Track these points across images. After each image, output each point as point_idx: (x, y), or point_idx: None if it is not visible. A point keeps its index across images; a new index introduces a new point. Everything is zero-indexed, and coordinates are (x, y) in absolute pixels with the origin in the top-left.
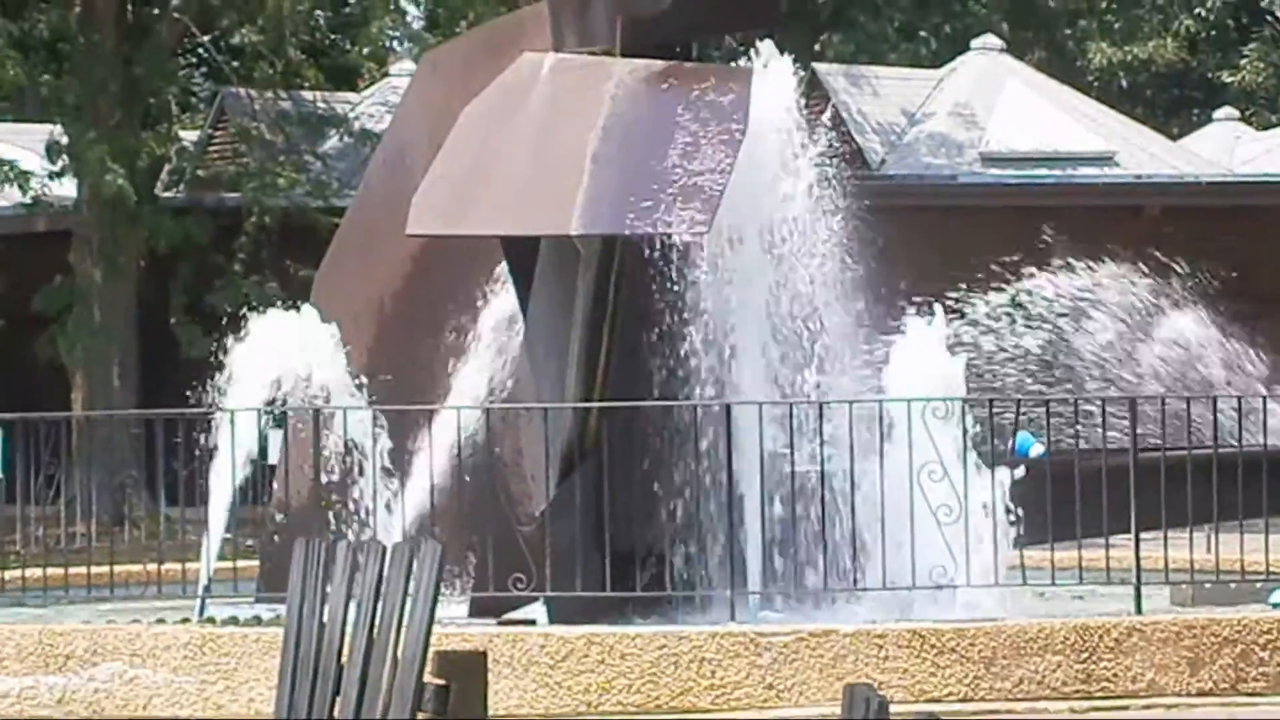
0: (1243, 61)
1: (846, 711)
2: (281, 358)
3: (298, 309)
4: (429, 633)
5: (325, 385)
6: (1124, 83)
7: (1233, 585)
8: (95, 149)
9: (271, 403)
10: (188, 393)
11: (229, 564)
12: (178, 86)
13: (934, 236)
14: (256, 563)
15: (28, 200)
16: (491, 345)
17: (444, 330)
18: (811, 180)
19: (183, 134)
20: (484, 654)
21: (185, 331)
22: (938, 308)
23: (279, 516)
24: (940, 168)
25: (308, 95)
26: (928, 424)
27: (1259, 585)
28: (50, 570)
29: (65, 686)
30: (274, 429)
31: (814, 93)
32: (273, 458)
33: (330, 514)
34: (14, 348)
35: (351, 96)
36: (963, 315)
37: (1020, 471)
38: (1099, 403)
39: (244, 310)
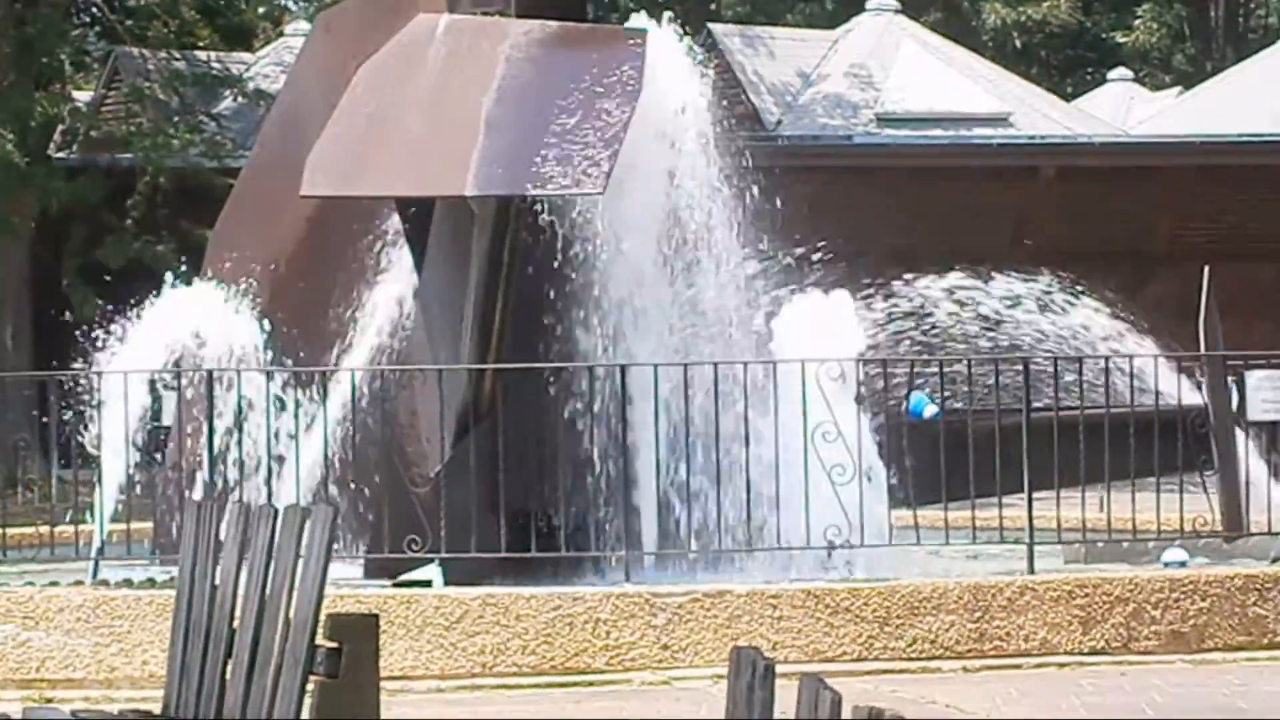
0: (1136, 22)
1: (734, 675)
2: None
3: (188, 269)
4: (321, 595)
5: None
6: (1019, 43)
7: (1125, 544)
8: None
9: (167, 365)
10: (80, 354)
11: (123, 526)
12: (71, 46)
13: (829, 197)
14: (150, 525)
15: None
16: (386, 307)
17: (339, 291)
18: (705, 139)
19: (76, 94)
20: (376, 616)
21: (78, 292)
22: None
23: (172, 478)
24: (836, 128)
25: (202, 55)
26: (821, 385)
27: (1151, 544)
28: None
29: None
30: (168, 390)
31: (709, 53)
32: (167, 419)
33: (223, 476)
34: None
35: (246, 56)
36: (857, 278)
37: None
38: (992, 364)
39: (135, 269)
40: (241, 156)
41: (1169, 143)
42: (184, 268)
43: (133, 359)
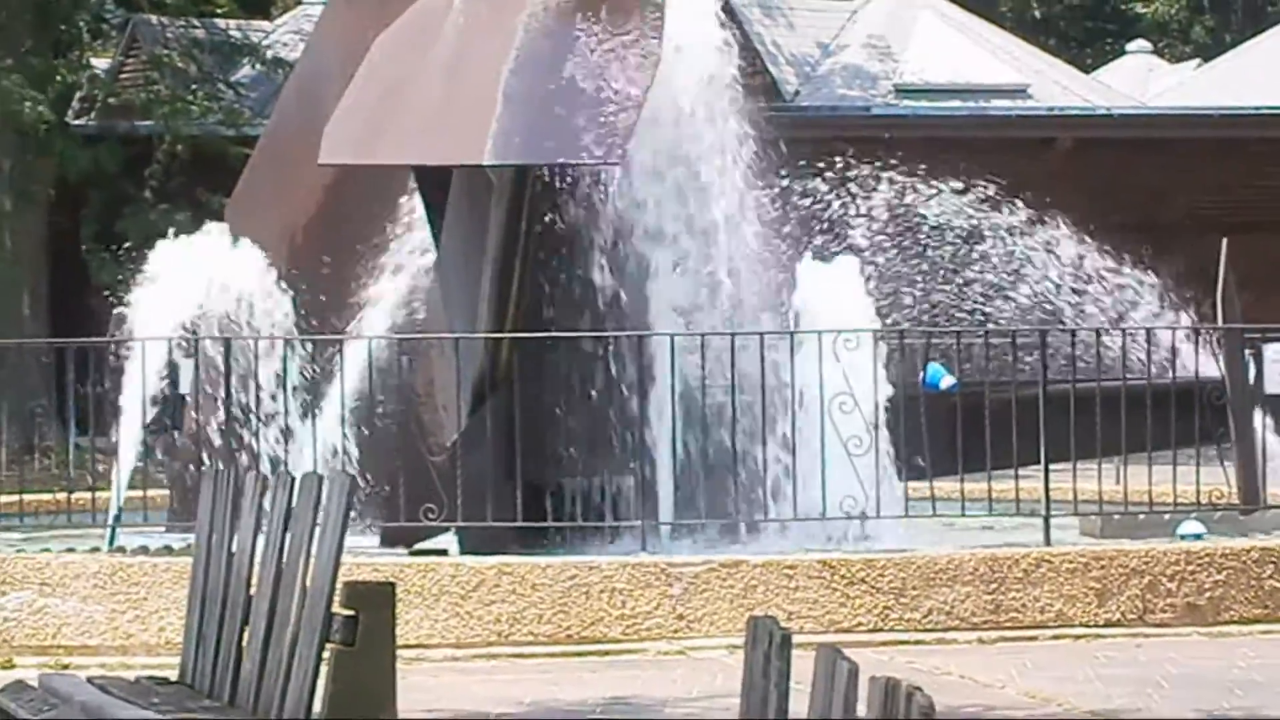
0: None
1: (750, 645)
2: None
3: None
4: (337, 563)
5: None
6: (1038, 14)
7: (1140, 516)
8: (9, 77)
9: (187, 330)
10: (100, 321)
11: (139, 493)
12: (89, 13)
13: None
14: (167, 492)
15: None
16: (404, 275)
17: (356, 259)
18: (725, 109)
19: (94, 61)
20: (393, 584)
21: (95, 260)
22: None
23: (189, 445)
24: (854, 99)
25: (221, 23)
26: (839, 355)
27: (1166, 517)
28: None
29: None
30: (185, 358)
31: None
32: (184, 386)
33: (240, 443)
34: None
35: (265, 24)
36: (874, 247)
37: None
38: (1009, 335)
39: (154, 238)
40: (259, 125)
41: (1187, 115)
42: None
43: (153, 321)
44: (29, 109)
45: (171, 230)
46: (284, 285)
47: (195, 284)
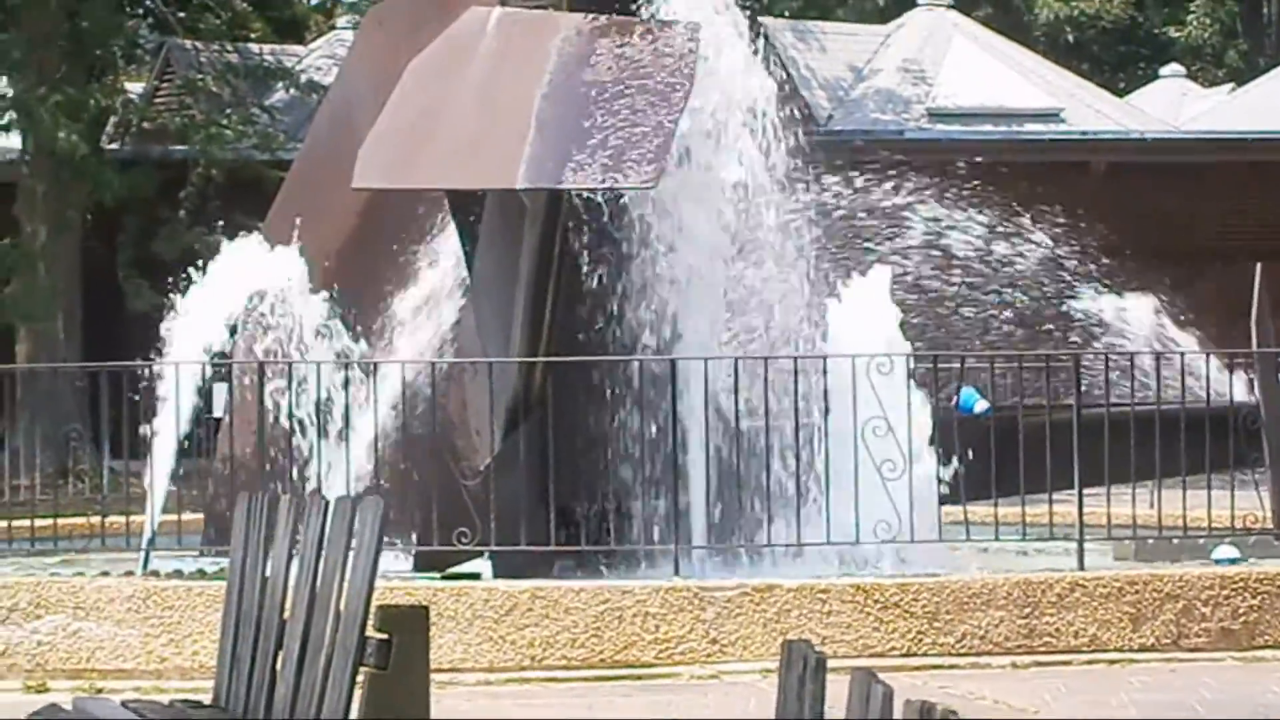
0: (1189, 17)
1: (785, 668)
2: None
3: None
4: (371, 587)
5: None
6: (1071, 38)
7: (1175, 541)
8: (45, 103)
9: (221, 355)
10: (134, 346)
11: (173, 517)
12: (123, 38)
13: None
14: (201, 516)
15: None
16: (437, 300)
17: (389, 284)
18: (760, 136)
19: (128, 86)
20: (426, 608)
21: (131, 285)
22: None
23: (224, 469)
24: (887, 123)
25: (254, 47)
26: (871, 379)
27: (1201, 541)
28: None
29: (8, 639)
30: (218, 382)
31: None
32: (218, 410)
33: (274, 468)
34: None
35: (298, 49)
36: (907, 272)
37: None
38: (1043, 360)
39: (190, 261)
40: (293, 149)
41: (1221, 139)
42: None
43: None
44: (63, 137)
45: (207, 256)
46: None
47: (233, 294)
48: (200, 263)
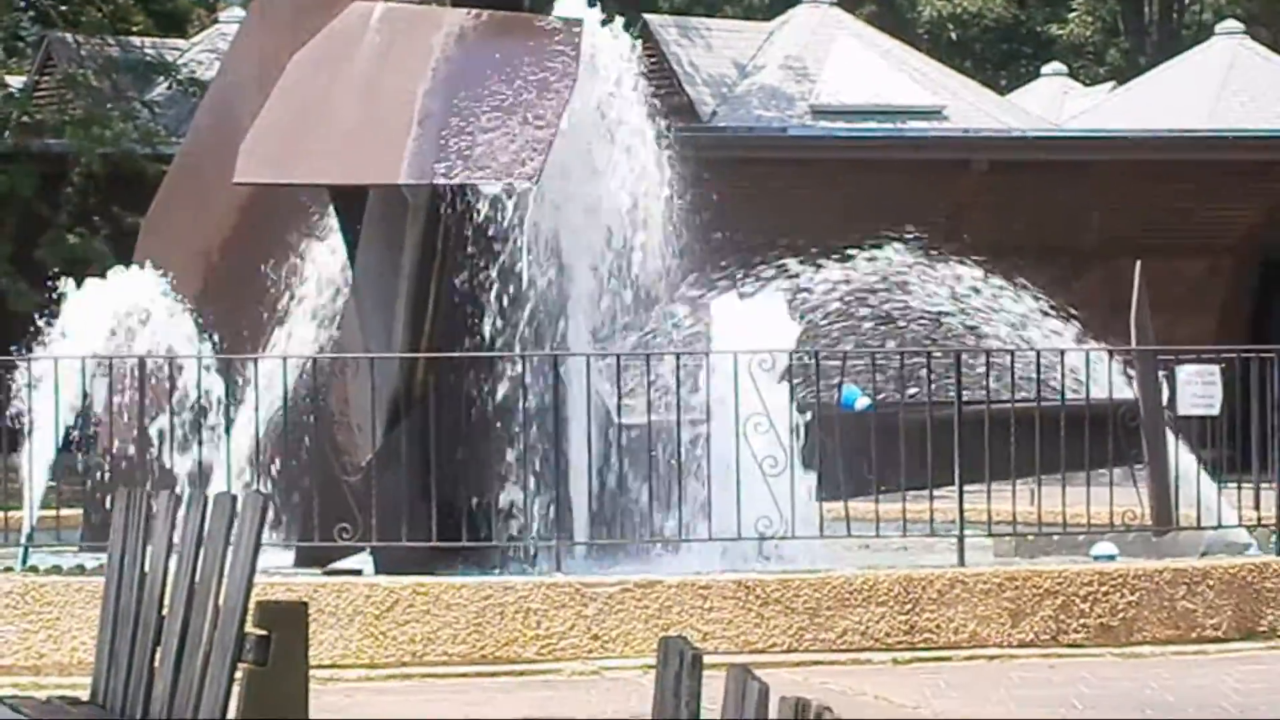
0: (1071, 15)
1: (661, 665)
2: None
3: (127, 264)
4: (250, 583)
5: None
6: (954, 36)
7: (1055, 538)
8: None
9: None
10: (14, 345)
11: (52, 513)
12: (4, 30)
13: (763, 189)
14: (80, 511)
15: None
16: (318, 295)
17: (271, 279)
18: (641, 130)
19: (8, 79)
20: (305, 604)
21: (11, 285)
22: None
23: (102, 465)
24: (770, 120)
25: (136, 41)
26: (754, 376)
27: (1080, 538)
28: None
29: None
30: (100, 378)
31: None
32: (97, 407)
33: (153, 463)
34: None
35: (180, 43)
36: (789, 269)
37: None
38: (924, 356)
39: (74, 264)
40: (175, 144)
41: (1102, 137)
42: (122, 266)
43: (68, 344)
44: None
45: (89, 259)
46: (188, 306)
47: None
48: (85, 264)
